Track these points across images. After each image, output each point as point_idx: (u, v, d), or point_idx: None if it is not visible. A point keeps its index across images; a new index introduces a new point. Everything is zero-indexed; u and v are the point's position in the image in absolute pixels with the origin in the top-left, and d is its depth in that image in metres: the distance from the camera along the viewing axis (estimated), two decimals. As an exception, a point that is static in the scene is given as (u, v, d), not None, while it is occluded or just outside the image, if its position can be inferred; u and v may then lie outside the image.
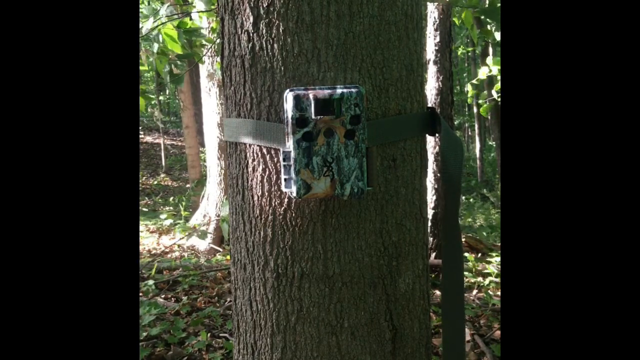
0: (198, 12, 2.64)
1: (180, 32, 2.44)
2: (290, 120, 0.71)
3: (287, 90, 0.72)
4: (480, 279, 3.29)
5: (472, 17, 2.50)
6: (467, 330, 2.41)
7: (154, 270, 3.25)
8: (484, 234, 4.97)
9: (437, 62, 3.53)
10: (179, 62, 2.54)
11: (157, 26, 2.47)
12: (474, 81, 4.63)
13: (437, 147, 3.48)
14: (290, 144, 0.72)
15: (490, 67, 4.32)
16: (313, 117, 0.70)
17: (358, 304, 0.80)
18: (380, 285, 0.81)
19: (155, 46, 2.49)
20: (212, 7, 2.56)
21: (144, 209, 7.18)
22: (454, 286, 0.87)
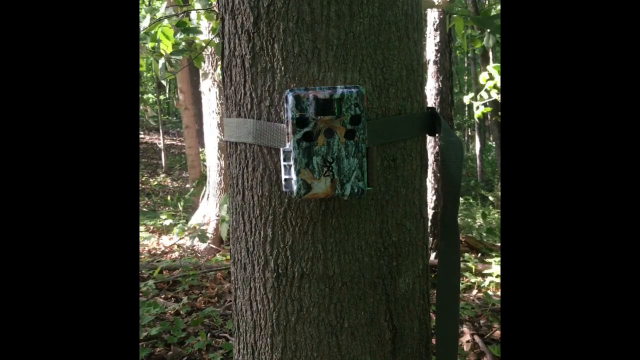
0: (197, 10, 2.64)
1: (179, 32, 2.45)
2: (290, 120, 0.71)
3: (288, 91, 0.72)
4: (480, 279, 3.29)
5: (463, 25, 2.51)
6: (467, 330, 2.41)
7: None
8: (482, 234, 4.95)
9: (437, 62, 3.53)
10: (172, 60, 2.54)
11: (155, 25, 2.47)
12: (482, 93, 4.58)
13: (437, 147, 3.48)
14: (290, 144, 0.72)
15: (492, 74, 4.29)
16: (313, 117, 0.70)
17: (358, 304, 0.80)
18: (380, 286, 0.81)
19: (150, 44, 2.49)
20: (210, 6, 2.56)
21: (144, 209, 7.18)
22: (449, 288, 0.86)
